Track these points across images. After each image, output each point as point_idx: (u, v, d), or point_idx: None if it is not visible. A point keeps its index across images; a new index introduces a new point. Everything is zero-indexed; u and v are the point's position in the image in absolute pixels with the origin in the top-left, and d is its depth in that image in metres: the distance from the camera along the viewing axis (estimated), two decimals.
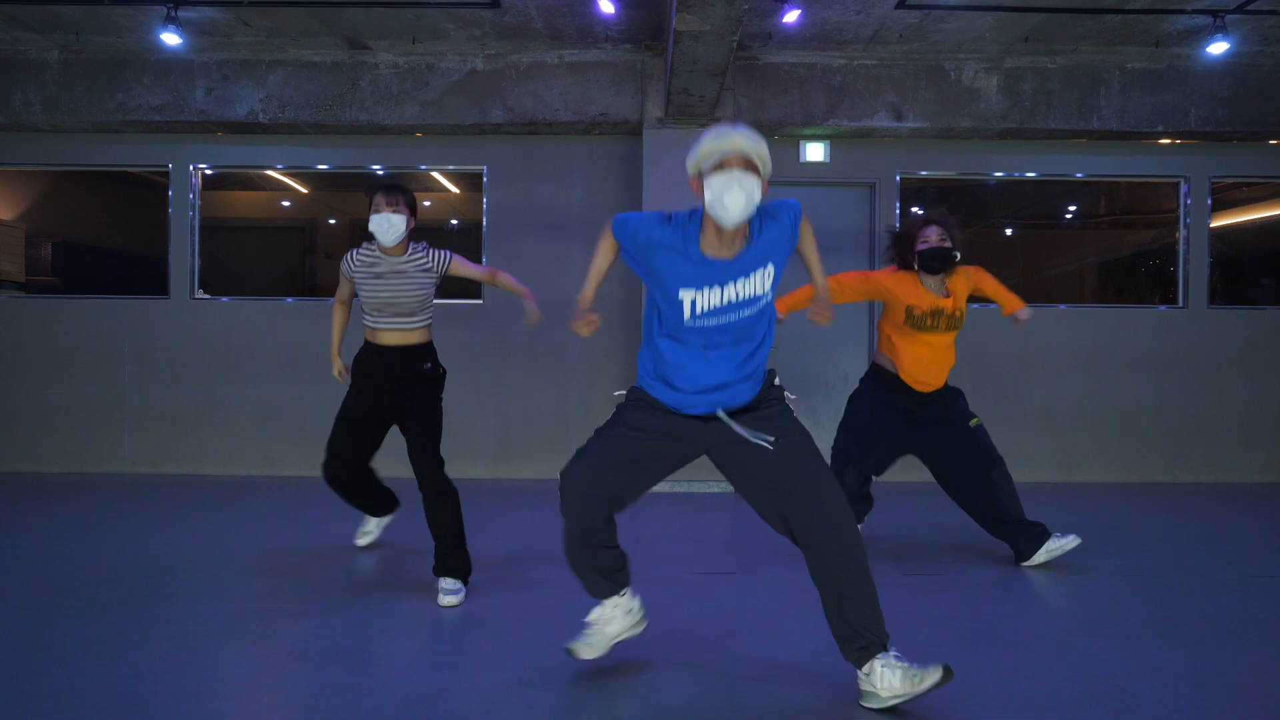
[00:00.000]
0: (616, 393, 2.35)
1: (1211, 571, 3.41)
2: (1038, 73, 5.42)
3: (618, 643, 2.31)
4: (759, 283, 2.10)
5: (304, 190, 7.00)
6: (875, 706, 2.04)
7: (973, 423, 3.46)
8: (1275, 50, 5.27)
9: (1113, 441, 5.73)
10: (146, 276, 6.05)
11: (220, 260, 6.12)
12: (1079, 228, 6.84)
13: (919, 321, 3.35)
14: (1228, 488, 5.48)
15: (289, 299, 5.81)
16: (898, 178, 5.72)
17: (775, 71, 5.40)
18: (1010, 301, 3.59)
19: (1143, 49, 5.27)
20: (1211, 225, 5.78)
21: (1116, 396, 5.72)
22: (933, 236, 3.29)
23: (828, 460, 2.30)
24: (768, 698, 2.13)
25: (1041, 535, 3.37)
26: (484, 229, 5.70)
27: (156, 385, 5.68)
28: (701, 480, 5.25)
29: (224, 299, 5.76)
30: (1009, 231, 6.74)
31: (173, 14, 4.67)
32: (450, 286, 6.36)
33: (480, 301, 5.68)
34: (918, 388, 3.44)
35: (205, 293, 5.76)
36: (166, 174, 5.73)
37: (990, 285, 3.56)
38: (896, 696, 2.00)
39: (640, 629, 2.36)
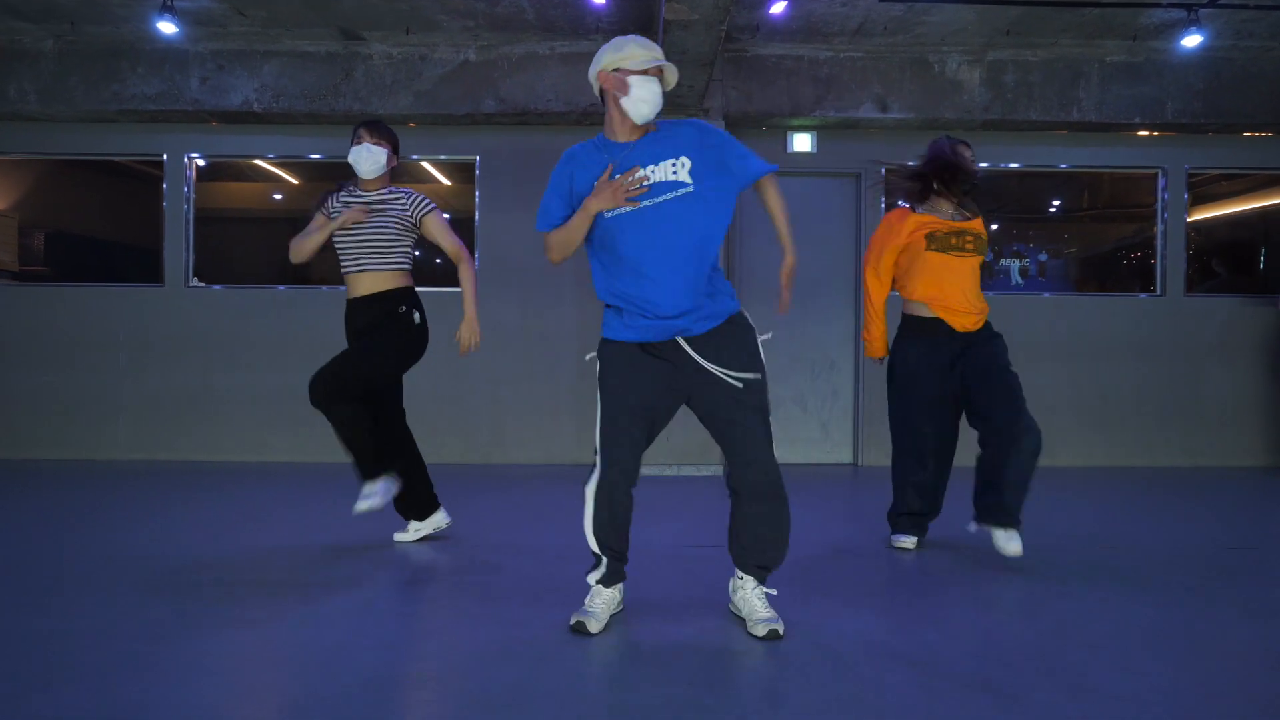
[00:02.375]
0: (589, 355, 2.44)
1: (1184, 545, 3.54)
2: (1019, 65, 5.55)
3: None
4: (672, 169, 2.24)
5: (295, 180, 7.05)
6: (733, 609, 2.43)
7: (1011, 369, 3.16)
8: (1248, 44, 5.41)
9: (1094, 426, 5.86)
10: (136, 267, 6.10)
11: (213, 249, 6.17)
12: (1063, 220, 6.97)
13: (943, 242, 3.10)
14: (1205, 470, 5.63)
15: (280, 287, 5.87)
16: (883, 169, 5.83)
17: (763, 63, 5.50)
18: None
19: (1121, 42, 5.41)
20: (1191, 219, 5.93)
21: (1098, 382, 5.86)
22: (967, 155, 3.17)
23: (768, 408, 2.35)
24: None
25: (1015, 516, 3.06)
26: (476, 219, 5.77)
27: (151, 373, 5.73)
28: (691, 464, 5.36)
29: (216, 287, 5.81)
30: (995, 226, 6.87)
31: (169, 3, 4.73)
32: (443, 277, 6.43)
33: None
34: (958, 323, 3.10)
35: (200, 281, 5.82)
36: (160, 165, 5.78)
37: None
38: (740, 610, 2.36)
39: (619, 609, 2.47)
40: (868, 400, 5.78)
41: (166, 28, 4.83)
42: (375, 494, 3.16)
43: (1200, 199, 6.29)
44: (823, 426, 5.87)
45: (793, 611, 2.47)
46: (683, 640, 2.29)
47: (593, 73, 2.33)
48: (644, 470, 2.43)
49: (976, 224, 3.21)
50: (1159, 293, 5.92)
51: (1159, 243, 5.92)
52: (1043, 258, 6.58)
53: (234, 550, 3.26)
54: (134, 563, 3.02)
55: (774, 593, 2.41)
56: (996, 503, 3.02)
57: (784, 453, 6.49)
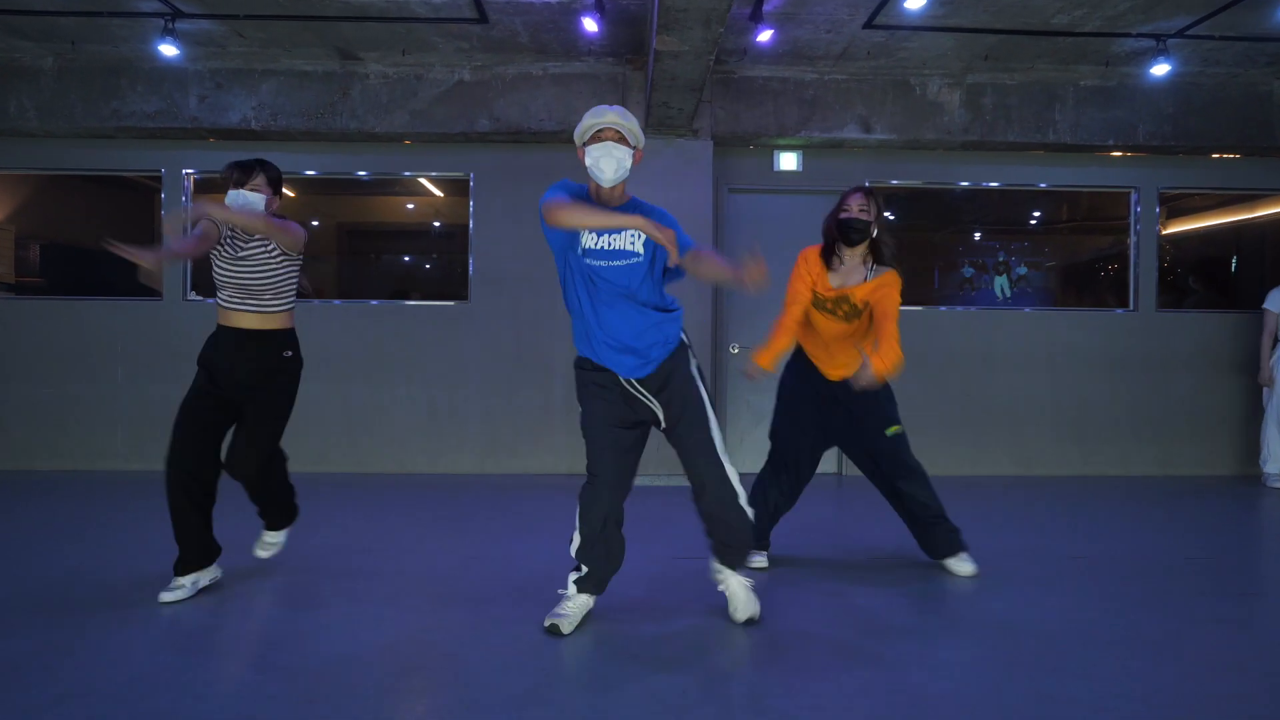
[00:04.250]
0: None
1: (1154, 555, 3.71)
2: (997, 88, 5.74)
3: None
4: (629, 240, 2.54)
5: (291, 193, 7.15)
6: (720, 586, 2.78)
7: (890, 431, 3.29)
8: (1215, 71, 5.62)
9: (1069, 437, 6.06)
10: (131, 279, 6.18)
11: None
12: (1041, 233, 7.17)
13: (820, 303, 3.23)
14: (1176, 480, 5.83)
15: None
16: (866, 186, 5.99)
17: (750, 85, 5.66)
18: (881, 347, 3.13)
19: (1094, 68, 5.60)
20: (1164, 232, 6.15)
21: (1073, 394, 6.06)
22: (853, 205, 3.18)
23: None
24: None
25: (953, 544, 3.34)
26: (470, 231, 5.90)
27: (150, 384, 5.81)
28: (679, 475, 5.49)
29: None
30: (977, 236, 7.06)
31: (170, 25, 4.83)
32: (439, 289, 6.53)
33: (467, 303, 5.89)
34: (825, 371, 3.31)
35: (198, 294, 5.91)
36: (158, 178, 5.87)
37: (882, 307, 3.16)
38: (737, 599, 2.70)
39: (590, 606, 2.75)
40: None
41: (168, 50, 4.93)
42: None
43: (1174, 213, 6.51)
44: None
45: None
46: (673, 647, 2.44)
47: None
48: (636, 480, 2.70)
49: (860, 291, 3.17)
50: (1132, 308, 6.12)
51: (1132, 259, 6.13)
52: (1022, 271, 6.77)
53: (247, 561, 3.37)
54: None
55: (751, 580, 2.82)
56: (931, 545, 3.41)
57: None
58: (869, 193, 3.21)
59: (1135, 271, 6.11)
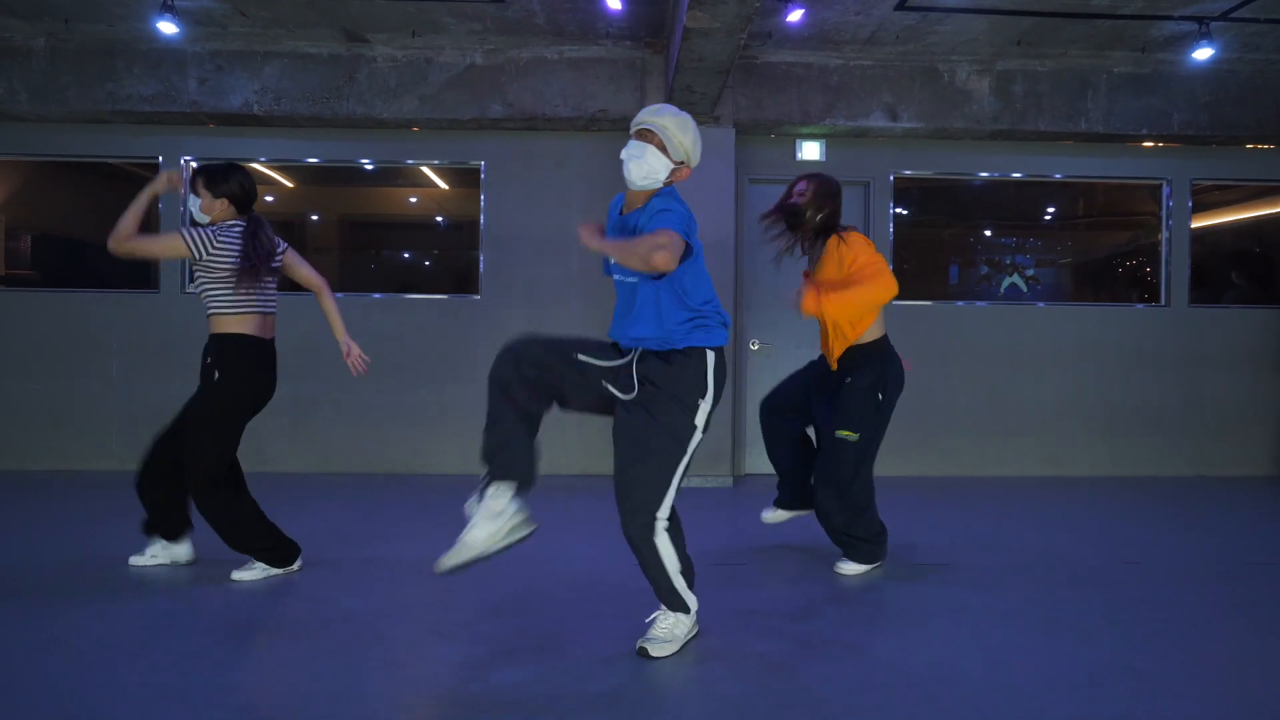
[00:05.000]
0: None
1: (1213, 559, 3.52)
2: (1028, 75, 5.55)
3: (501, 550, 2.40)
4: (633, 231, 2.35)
5: (291, 184, 6.91)
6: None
7: (840, 433, 3.14)
8: (1254, 57, 5.45)
9: (1098, 436, 5.87)
10: (125, 272, 5.94)
11: None
12: (1061, 228, 6.99)
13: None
14: (1210, 481, 5.65)
15: None
16: (891, 177, 5.81)
17: (773, 71, 5.46)
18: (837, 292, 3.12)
19: (1129, 54, 5.42)
20: (1192, 226, 5.97)
21: (1101, 392, 5.87)
22: (792, 191, 3.24)
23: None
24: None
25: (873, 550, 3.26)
26: (481, 223, 5.68)
27: (145, 380, 5.57)
28: (699, 475, 5.30)
29: None
30: (988, 233, 6.86)
31: (169, 2, 4.59)
32: (447, 284, 6.30)
33: (477, 297, 5.67)
34: (825, 353, 3.35)
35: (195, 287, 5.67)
36: (155, 166, 5.63)
37: (842, 259, 3.15)
38: (669, 642, 2.34)
39: (521, 534, 2.46)
40: None
41: (167, 28, 4.70)
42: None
43: (1197, 207, 6.33)
44: None
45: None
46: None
47: None
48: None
49: (817, 271, 3.29)
50: (1163, 303, 5.94)
51: (1163, 253, 5.95)
52: (1030, 272, 6.55)
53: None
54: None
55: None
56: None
57: None
58: (810, 178, 3.28)
59: (1167, 265, 5.93)
